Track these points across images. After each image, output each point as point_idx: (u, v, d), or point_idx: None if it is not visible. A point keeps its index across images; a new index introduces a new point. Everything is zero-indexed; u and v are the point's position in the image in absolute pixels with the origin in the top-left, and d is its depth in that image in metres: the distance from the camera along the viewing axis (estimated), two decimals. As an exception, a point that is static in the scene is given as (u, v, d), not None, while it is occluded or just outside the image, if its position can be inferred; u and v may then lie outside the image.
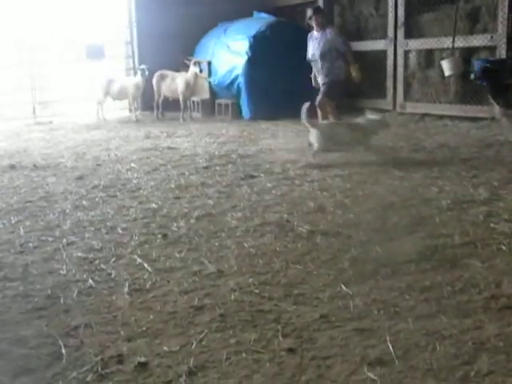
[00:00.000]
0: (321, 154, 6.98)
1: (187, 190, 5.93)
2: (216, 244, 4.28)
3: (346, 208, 5.04)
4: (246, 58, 11.19)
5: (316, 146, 6.93)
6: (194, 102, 12.35)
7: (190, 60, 11.58)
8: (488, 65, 7.57)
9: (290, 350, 2.76)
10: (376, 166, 6.58)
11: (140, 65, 11.99)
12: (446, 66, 9.56)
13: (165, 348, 2.80)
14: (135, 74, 12.09)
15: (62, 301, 3.36)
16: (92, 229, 4.72)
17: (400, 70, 10.88)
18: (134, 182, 6.35)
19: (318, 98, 7.72)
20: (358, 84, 7.93)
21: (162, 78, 11.82)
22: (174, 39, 12.29)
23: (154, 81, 11.86)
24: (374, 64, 11.18)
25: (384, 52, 11.11)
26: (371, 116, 7.07)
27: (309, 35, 7.94)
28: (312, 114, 7.80)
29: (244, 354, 2.73)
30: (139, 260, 3.98)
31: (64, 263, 3.95)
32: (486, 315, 3.01)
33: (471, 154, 7.13)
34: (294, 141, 8.63)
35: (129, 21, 13.17)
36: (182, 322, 3.08)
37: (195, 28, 12.34)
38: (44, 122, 11.80)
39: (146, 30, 12.72)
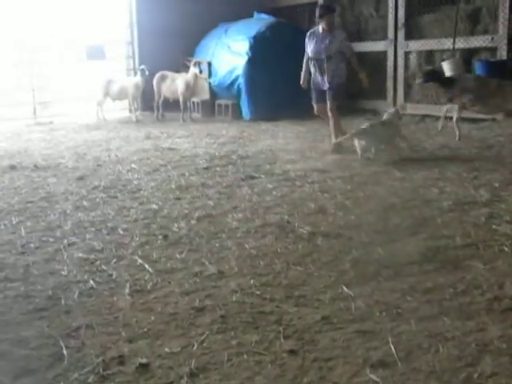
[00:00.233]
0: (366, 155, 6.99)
1: (188, 190, 5.92)
2: (217, 245, 4.27)
3: (347, 209, 5.03)
4: (246, 58, 11.19)
5: (363, 148, 6.91)
6: (194, 102, 12.34)
7: (190, 61, 11.57)
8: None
9: (292, 352, 2.75)
10: (376, 167, 6.57)
11: (140, 65, 11.97)
12: (447, 67, 9.54)
13: (166, 349, 2.80)
14: (135, 74, 12.07)
15: (63, 302, 3.35)
16: (93, 229, 4.72)
17: (400, 71, 10.89)
18: (135, 182, 6.34)
19: (329, 103, 7.61)
20: (365, 88, 7.85)
21: (163, 78, 11.81)
22: (174, 39, 12.29)
23: (155, 81, 11.85)
24: (374, 65, 11.17)
25: (384, 53, 11.11)
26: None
27: (311, 32, 7.67)
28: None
29: (245, 356, 2.73)
30: (140, 261, 3.97)
31: (65, 264, 3.94)
32: (488, 317, 3.00)
33: (472, 155, 7.13)
34: (294, 142, 8.63)
35: (129, 21, 13.16)
36: (183, 323, 3.08)
37: (196, 28, 12.34)
38: (44, 122, 11.79)
39: (147, 31, 12.72)
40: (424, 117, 10.19)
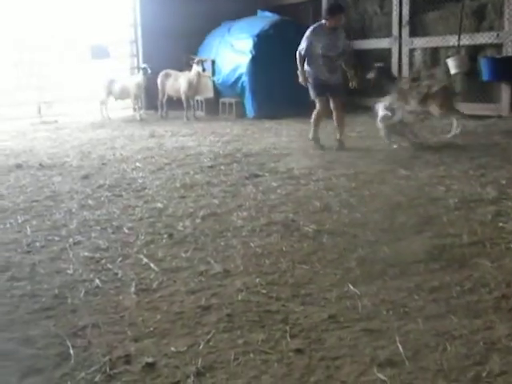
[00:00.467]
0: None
1: (192, 189, 5.91)
2: (222, 243, 4.26)
3: (352, 207, 5.02)
4: (249, 56, 11.17)
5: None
6: (197, 100, 12.34)
7: (193, 59, 11.56)
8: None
9: (299, 351, 2.74)
10: (382, 165, 6.55)
11: (141, 64, 11.97)
12: (452, 64, 9.54)
13: (172, 348, 2.79)
14: (138, 72, 12.07)
15: (69, 301, 3.35)
16: (98, 228, 4.72)
17: (405, 68, 10.84)
18: (140, 181, 6.34)
19: (340, 99, 7.63)
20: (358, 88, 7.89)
21: (166, 77, 11.83)
22: (178, 38, 12.28)
23: (159, 80, 11.87)
24: (378, 62, 11.14)
25: (388, 50, 11.07)
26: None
27: (315, 28, 7.52)
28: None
29: (252, 355, 2.72)
30: (145, 260, 3.97)
31: (71, 263, 3.94)
32: (496, 315, 2.99)
33: (478, 152, 7.09)
34: (297, 139, 8.61)
35: (133, 20, 13.15)
36: (189, 322, 3.07)
37: (199, 27, 12.32)
38: (49, 121, 11.81)
39: (151, 29, 12.71)
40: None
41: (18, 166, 7.25)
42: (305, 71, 7.60)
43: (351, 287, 3.40)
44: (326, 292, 3.37)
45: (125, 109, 12.85)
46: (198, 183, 6.12)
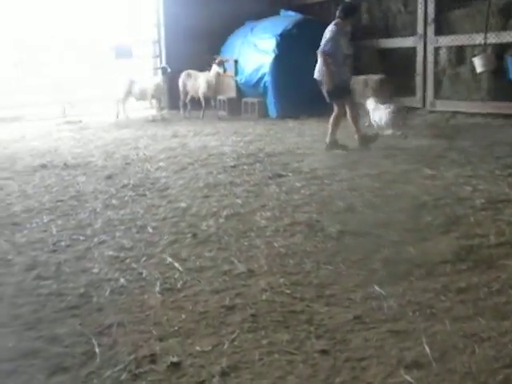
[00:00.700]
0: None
1: (215, 188, 5.92)
2: (246, 243, 4.26)
3: (376, 208, 4.98)
4: (272, 56, 11.15)
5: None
6: (220, 100, 12.36)
7: (215, 59, 11.57)
8: None
9: (324, 352, 2.73)
10: (406, 165, 6.49)
11: (161, 64, 12.01)
12: (478, 63, 9.41)
13: (197, 348, 2.80)
14: (159, 72, 12.07)
15: (94, 299, 3.38)
16: (122, 228, 4.74)
17: (430, 67, 10.71)
18: (163, 181, 6.36)
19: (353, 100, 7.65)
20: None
21: (188, 77, 11.88)
22: (201, 38, 12.30)
23: (180, 80, 11.92)
24: (402, 62, 11.05)
25: (413, 49, 10.96)
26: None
27: (338, 27, 7.55)
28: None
29: (277, 355, 2.71)
30: (170, 259, 3.98)
31: (96, 262, 3.97)
32: (525, 317, 2.94)
33: (505, 151, 6.98)
34: (321, 139, 8.55)
35: (157, 20, 13.21)
36: (213, 321, 3.07)
37: (222, 27, 12.34)
38: (74, 121, 11.91)
39: (174, 30, 12.75)
40: (454, 113, 10.04)
41: (44, 166, 7.32)
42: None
43: (376, 288, 3.37)
44: (351, 293, 3.35)
45: (148, 109, 12.91)
46: (221, 183, 6.13)
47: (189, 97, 12.06)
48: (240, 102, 12.19)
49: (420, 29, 10.76)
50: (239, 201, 5.41)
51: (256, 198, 5.49)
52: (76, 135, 10.14)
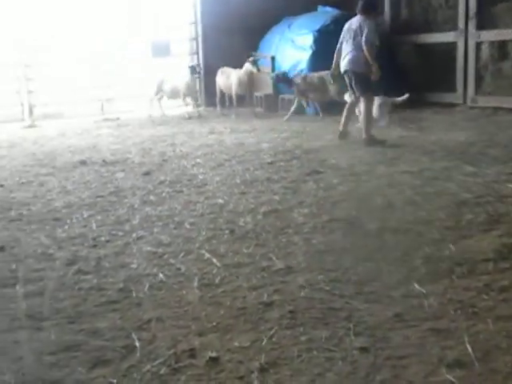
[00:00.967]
0: None
1: (253, 185, 5.91)
2: (283, 240, 4.24)
3: (417, 205, 4.91)
4: (310, 52, 11.09)
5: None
6: (257, 97, 12.34)
7: (253, 56, 11.55)
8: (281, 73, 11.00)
9: (363, 349, 2.70)
10: (446, 162, 6.38)
11: (192, 63, 12.03)
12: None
13: (236, 343, 2.80)
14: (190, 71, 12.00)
15: (134, 294, 3.41)
16: (160, 224, 4.78)
17: (471, 62, 10.49)
18: (200, 177, 6.39)
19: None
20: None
21: (222, 74, 11.89)
22: (238, 35, 12.31)
23: (217, 77, 11.94)
24: (442, 57, 10.87)
25: (454, 44, 10.77)
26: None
27: (373, 21, 7.76)
28: None
29: (316, 352, 2.70)
30: (207, 255, 3.99)
31: (135, 257, 4.01)
32: None
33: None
34: (359, 136, 8.48)
35: (194, 18, 13.27)
36: (251, 317, 3.07)
37: (259, 24, 12.30)
38: (112, 118, 12.06)
39: (211, 27, 12.78)
40: (496, 109, 9.83)
41: (83, 163, 7.43)
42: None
43: (417, 286, 3.33)
44: (391, 290, 3.31)
45: (182, 106, 12.95)
46: (258, 179, 6.12)
47: (226, 94, 12.06)
48: (277, 99, 12.16)
49: (461, 23, 10.56)
50: (276, 197, 5.40)
51: (293, 195, 5.47)
52: (114, 132, 10.27)
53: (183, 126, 10.66)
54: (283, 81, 10.89)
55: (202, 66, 11.69)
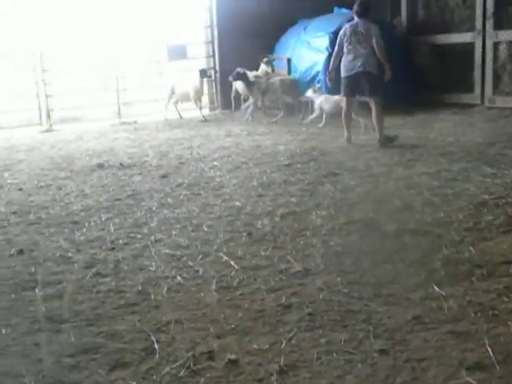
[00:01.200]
0: None
1: (270, 187, 5.91)
2: (301, 242, 4.24)
3: (435, 206, 4.87)
4: (326, 54, 11.05)
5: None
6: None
7: (268, 57, 11.54)
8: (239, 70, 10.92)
9: (383, 352, 2.69)
10: (465, 163, 6.34)
11: (204, 66, 12.05)
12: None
13: (254, 346, 2.80)
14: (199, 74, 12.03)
15: (152, 297, 3.42)
16: (178, 226, 4.79)
17: (489, 62, 10.41)
18: (217, 180, 6.40)
19: None
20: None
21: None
22: (254, 38, 12.30)
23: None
24: (459, 57, 10.79)
25: (471, 44, 10.69)
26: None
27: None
28: None
29: (335, 355, 2.69)
30: (225, 258, 4.00)
31: (153, 260, 4.03)
32: None
33: None
34: (375, 137, 8.44)
35: (210, 21, 13.30)
36: (270, 320, 3.07)
37: (275, 26, 12.31)
38: (129, 121, 12.12)
39: (227, 30, 12.80)
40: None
41: (100, 166, 7.47)
42: None
43: (436, 288, 3.30)
44: (410, 292, 3.29)
45: (198, 109, 12.97)
46: (276, 182, 6.12)
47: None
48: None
49: (478, 24, 10.48)
50: (294, 199, 5.39)
51: (311, 197, 5.46)
52: (131, 135, 10.31)
53: (200, 129, 10.68)
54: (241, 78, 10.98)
55: (217, 68, 11.68)
